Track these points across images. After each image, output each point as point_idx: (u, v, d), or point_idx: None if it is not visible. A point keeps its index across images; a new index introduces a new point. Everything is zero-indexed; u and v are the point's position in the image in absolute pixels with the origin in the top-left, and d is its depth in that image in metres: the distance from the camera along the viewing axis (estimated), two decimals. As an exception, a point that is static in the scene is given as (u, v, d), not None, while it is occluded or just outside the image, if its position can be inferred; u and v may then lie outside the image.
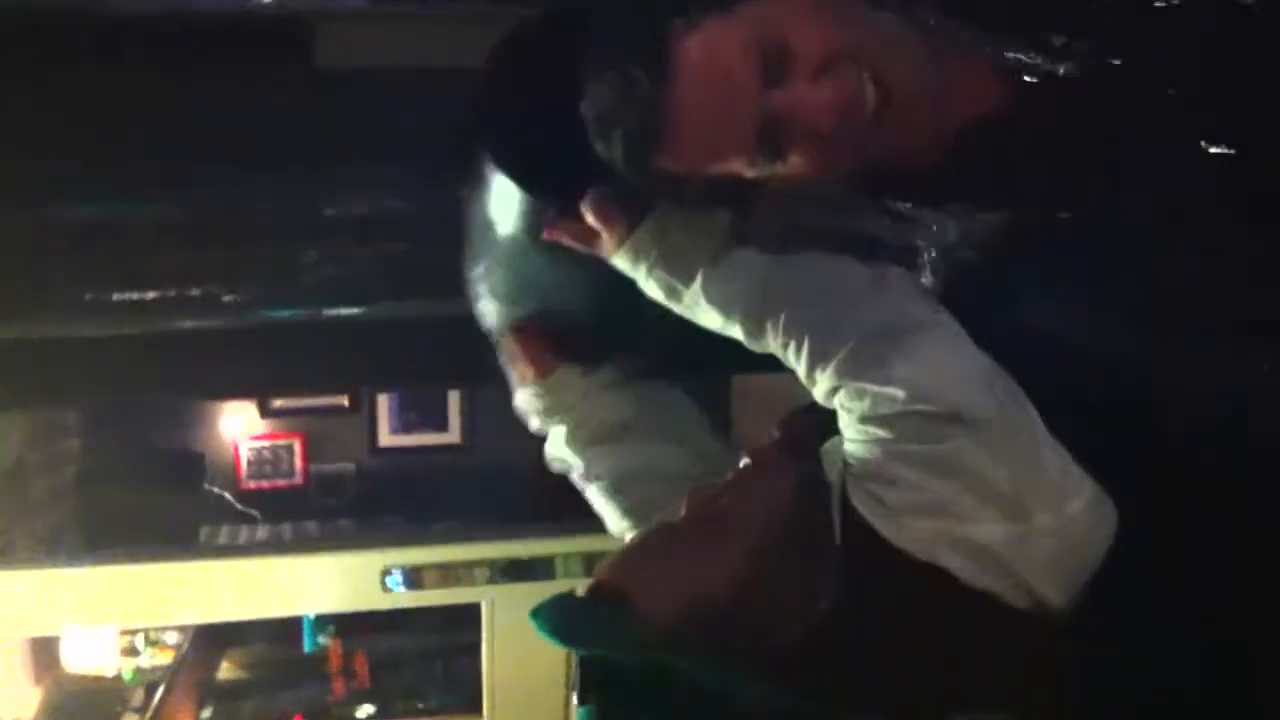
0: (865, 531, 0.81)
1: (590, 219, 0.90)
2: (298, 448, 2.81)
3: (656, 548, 0.87)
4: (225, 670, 2.75)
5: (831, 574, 0.81)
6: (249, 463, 2.79)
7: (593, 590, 0.85)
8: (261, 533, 2.68)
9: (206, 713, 2.69)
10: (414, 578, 2.08)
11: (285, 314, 1.31)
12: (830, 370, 0.84)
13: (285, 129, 1.24)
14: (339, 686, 2.57)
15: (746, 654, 0.81)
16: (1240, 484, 0.84)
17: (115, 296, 1.25)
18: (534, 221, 0.95)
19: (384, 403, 2.84)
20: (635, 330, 1.06)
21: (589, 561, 1.14)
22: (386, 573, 2.08)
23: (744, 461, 0.91)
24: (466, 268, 1.06)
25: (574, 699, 0.86)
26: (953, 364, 0.84)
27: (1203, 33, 0.84)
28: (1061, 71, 0.86)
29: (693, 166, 0.84)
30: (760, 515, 0.85)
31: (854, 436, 0.85)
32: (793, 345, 0.86)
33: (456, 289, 1.05)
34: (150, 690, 2.58)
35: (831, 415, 0.88)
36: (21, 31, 1.21)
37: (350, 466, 2.85)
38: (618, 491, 1.06)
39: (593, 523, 1.09)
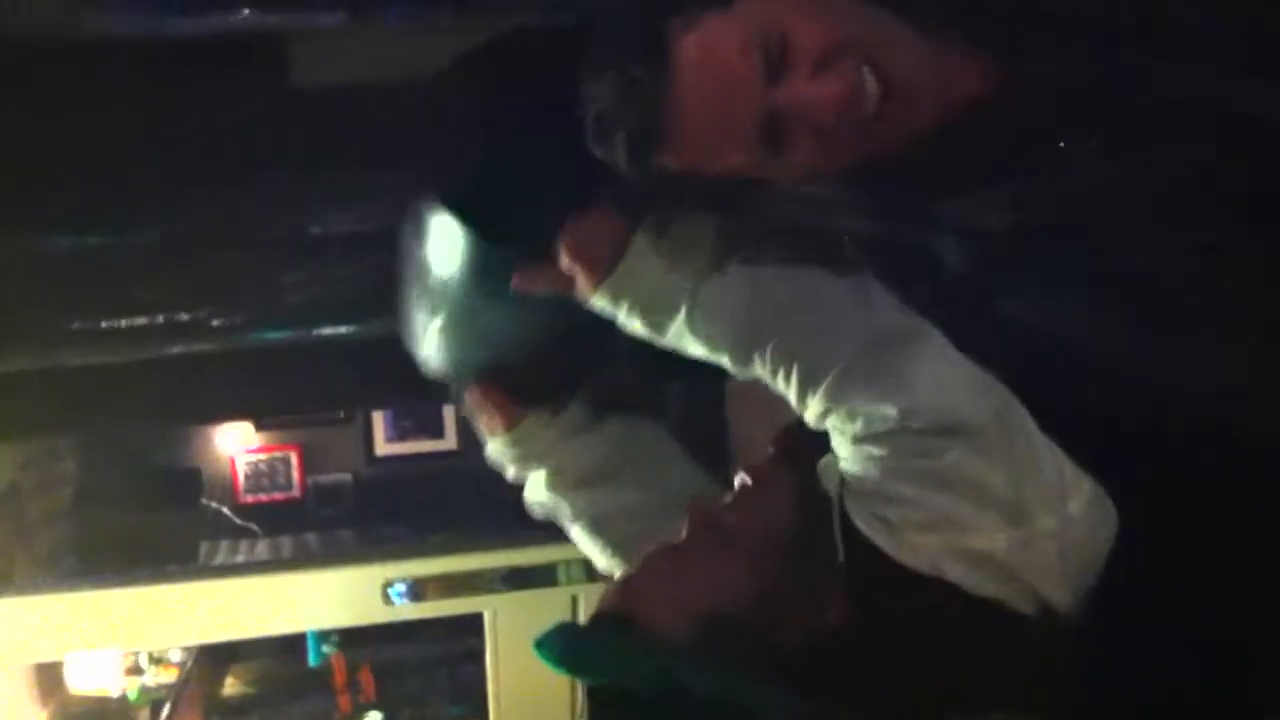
0: (867, 547, 0.81)
1: (564, 262, 0.88)
2: (294, 460, 2.80)
3: (660, 568, 0.86)
4: (230, 686, 2.75)
5: (837, 588, 0.81)
6: (246, 476, 2.78)
7: (597, 617, 0.84)
8: (261, 546, 2.67)
9: (213, 728, 2.70)
10: (416, 590, 2.07)
11: (275, 335, 1.30)
12: (820, 395, 0.84)
13: (268, 148, 1.23)
14: (345, 702, 2.57)
15: (757, 668, 0.80)
16: (1240, 483, 0.83)
17: (104, 324, 1.24)
18: (491, 270, 0.90)
19: (379, 412, 2.84)
20: (597, 364, 1.04)
21: (591, 568, 1.14)
22: (388, 585, 2.07)
23: (741, 477, 0.91)
24: (406, 327, 1.01)
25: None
26: (941, 375, 0.83)
27: (1202, 34, 0.84)
28: (1059, 68, 0.86)
29: (694, 164, 0.84)
30: (763, 530, 0.85)
31: (849, 456, 0.84)
32: (781, 374, 0.86)
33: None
34: (156, 708, 2.57)
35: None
36: (-3, 61, 1.19)
37: (347, 477, 2.85)
38: (600, 530, 1.05)
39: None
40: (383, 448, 2.85)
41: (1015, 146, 0.87)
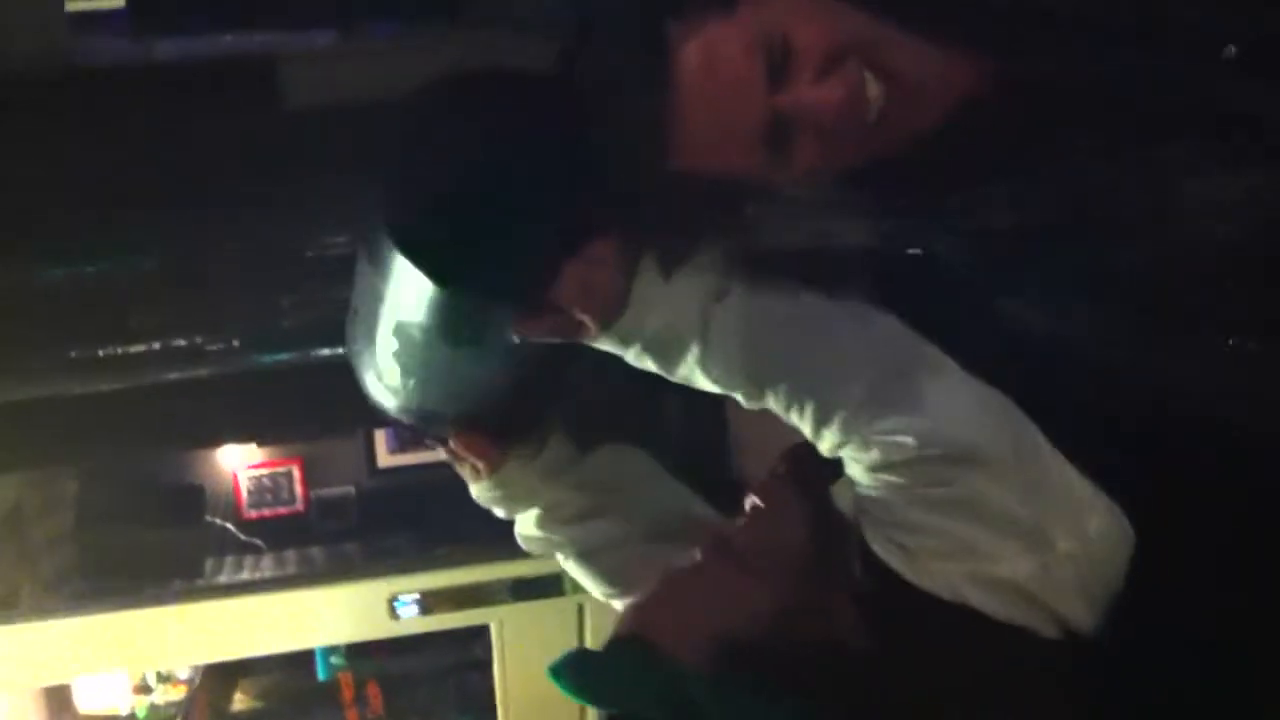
0: (885, 571, 0.80)
1: (571, 306, 0.85)
2: (296, 474, 2.80)
3: (675, 593, 0.85)
4: (239, 701, 2.75)
5: (856, 612, 0.80)
6: (249, 492, 2.78)
7: (613, 643, 0.84)
8: (266, 562, 2.66)
9: (223, 743, 2.70)
10: (422, 603, 2.07)
11: (273, 358, 1.30)
12: (836, 427, 0.83)
13: (261, 170, 1.23)
14: (353, 716, 2.57)
15: (776, 691, 0.80)
16: (1240, 483, 0.83)
17: (101, 352, 1.23)
18: (469, 316, 0.84)
19: (380, 423, 2.83)
20: (572, 395, 1.02)
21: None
22: (394, 600, 2.07)
23: (753, 499, 0.90)
24: (365, 371, 0.95)
25: None
26: (956, 403, 0.83)
27: (1202, 35, 0.83)
28: (1059, 68, 0.86)
29: (696, 166, 0.83)
30: (778, 553, 0.84)
31: (866, 484, 0.84)
32: (795, 409, 0.85)
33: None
34: (165, 726, 2.57)
35: None
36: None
37: (350, 489, 2.84)
38: (596, 562, 1.05)
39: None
40: (385, 459, 2.85)
41: (1015, 146, 0.86)
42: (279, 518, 2.75)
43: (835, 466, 0.87)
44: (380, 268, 0.83)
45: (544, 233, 0.83)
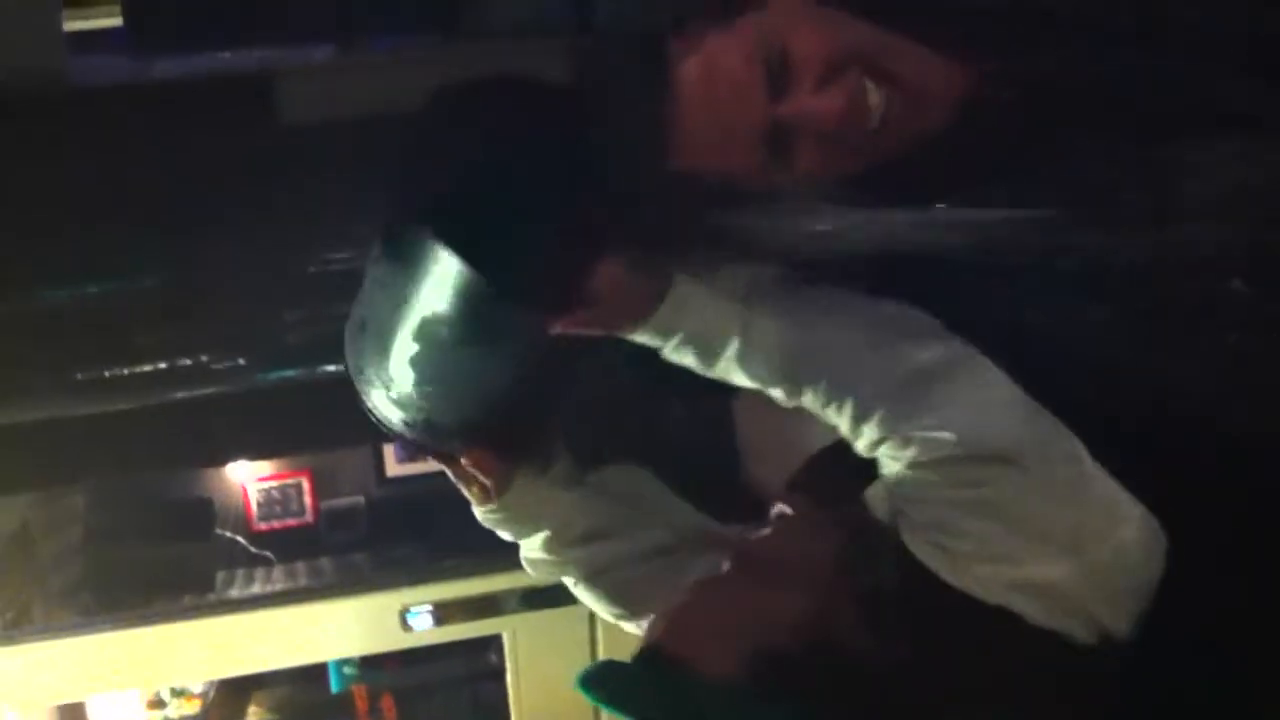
0: (924, 576, 0.80)
1: (609, 299, 0.86)
2: (306, 485, 2.79)
3: (707, 605, 0.86)
4: (253, 715, 2.75)
5: (892, 618, 0.80)
6: (258, 504, 2.77)
7: (645, 654, 0.84)
8: (277, 574, 2.66)
9: (238, 756, 2.69)
10: (435, 614, 2.07)
11: (279, 375, 1.29)
12: (874, 424, 0.83)
13: (261, 189, 1.22)
14: (367, 729, 2.57)
15: (812, 702, 0.80)
16: (1240, 484, 0.83)
17: (107, 373, 1.23)
18: (485, 318, 0.84)
19: (388, 433, 2.82)
20: (581, 413, 1.02)
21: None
22: (406, 611, 2.07)
23: (779, 508, 0.90)
24: (368, 384, 0.93)
25: None
26: (994, 399, 0.82)
27: (1202, 34, 0.83)
28: (1059, 68, 0.86)
29: (700, 175, 0.84)
30: (809, 561, 0.84)
31: (905, 485, 0.83)
32: (833, 407, 0.85)
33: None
34: (180, 740, 2.57)
35: (855, 453, 0.87)
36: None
37: (360, 500, 2.83)
38: (605, 583, 1.05)
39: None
40: (394, 469, 2.84)
41: (1015, 147, 0.86)
42: (289, 529, 2.75)
43: (862, 473, 0.87)
44: (407, 266, 0.83)
45: (575, 226, 0.84)
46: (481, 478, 1.01)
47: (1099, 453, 0.83)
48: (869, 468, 0.87)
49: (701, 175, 0.85)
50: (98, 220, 1.23)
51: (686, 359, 0.89)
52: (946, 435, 0.80)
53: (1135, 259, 0.84)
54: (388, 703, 2.58)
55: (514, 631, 2.12)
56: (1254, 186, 0.80)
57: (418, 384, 0.90)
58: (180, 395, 1.28)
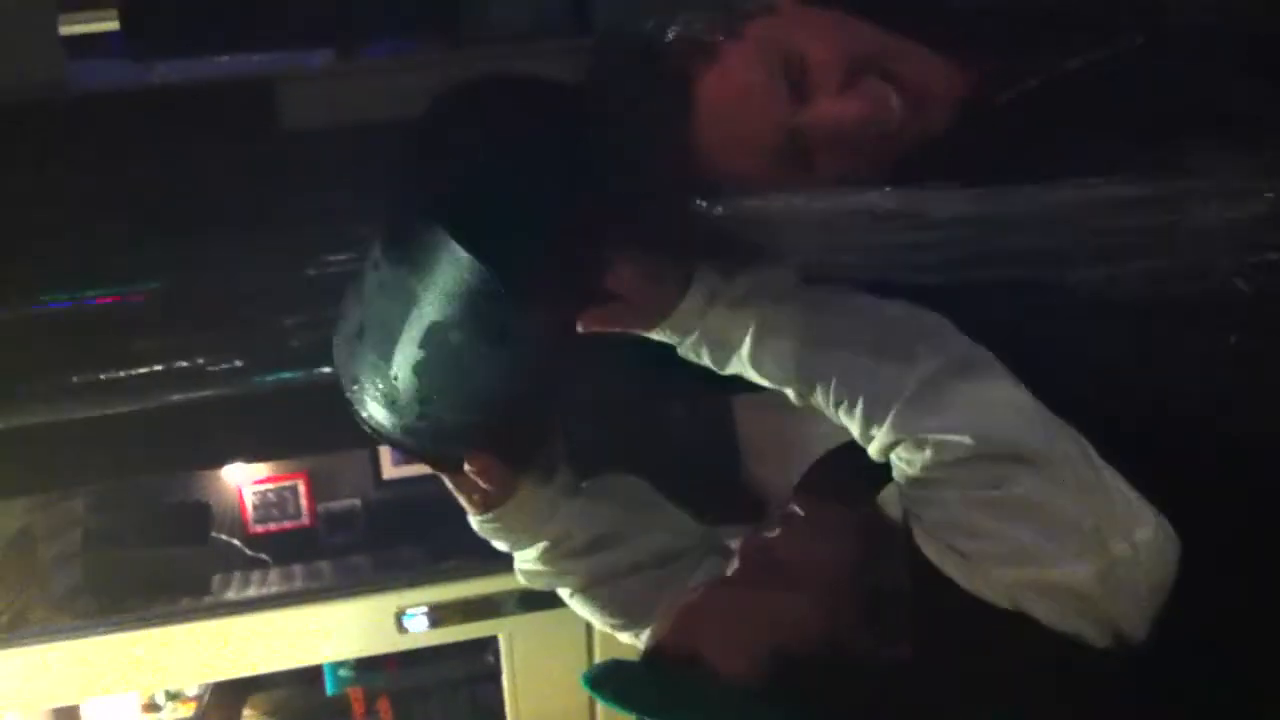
0: (937, 580, 0.79)
1: (628, 298, 0.87)
2: (302, 488, 2.79)
3: (716, 606, 0.85)
4: (248, 718, 2.74)
5: (904, 622, 0.79)
6: (255, 507, 2.77)
7: (652, 653, 0.83)
8: (274, 577, 2.66)
9: (235, 759, 2.69)
10: (430, 616, 2.07)
11: (279, 378, 1.30)
12: (888, 425, 0.82)
13: (258, 193, 1.23)
14: (364, 730, 2.57)
15: (824, 705, 0.79)
16: (1240, 485, 0.83)
17: (104, 376, 1.23)
18: (493, 317, 0.83)
19: (385, 435, 2.81)
20: (575, 419, 1.01)
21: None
22: (402, 613, 2.07)
23: (791, 508, 0.89)
24: (366, 386, 0.91)
25: None
26: (1008, 400, 0.82)
27: (1202, 35, 0.83)
28: (1058, 68, 0.86)
29: (714, 178, 0.84)
30: (822, 563, 0.83)
31: (919, 487, 0.82)
32: (845, 405, 0.84)
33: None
34: (176, 744, 2.57)
35: (867, 456, 0.86)
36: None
37: (357, 502, 2.83)
38: (599, 593, 1.05)
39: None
40: (390, 471, 2.84)
41: (1015, 147, 0.86)
42: (286, 532, 2.75)
43: (875, 474, 0.87)
44: (416, 268, 0.82)
45: (588, 225, 0.83)
46: (483, 485, 0.99)
47: (1100, 453, 0.83)
48: (881, 469, 0.86)
49: (716, 181, 0.85)
50: (95, 224, 1.23)
51: (702, 357, 0.89)
52: (963, 437, 0.79)
53: (1135, 259, 0.84)
54: (384, 705, 2.58)
55: (510, 633, 2.12)
56: (1254, 187, 0.80)
57: (422, 390, 0.89)
58: (177, 398, 1.28)
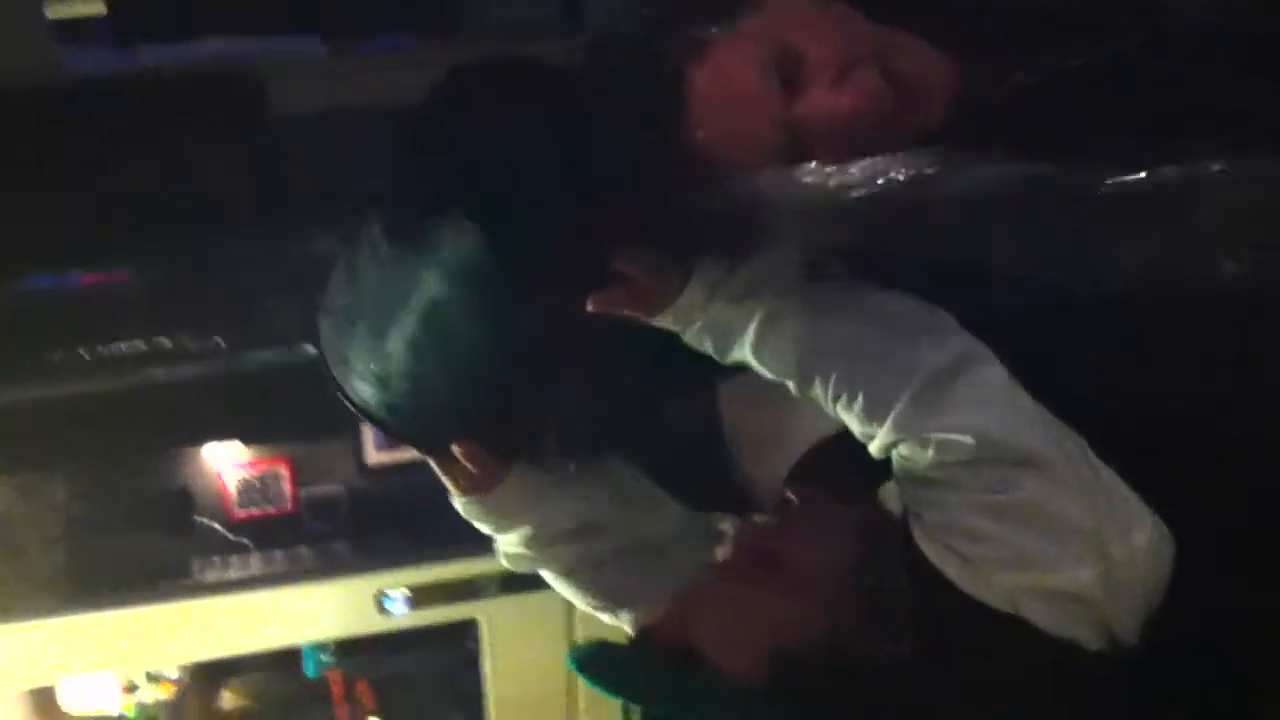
0: (938, 582, 0.79)
1: (634, 282, 0.87)
2: (285, 473, 2.79)
3: (716, 599, 0.84)
4: (228, 700, 2.75)
5: (900, 619, 0.79)
6: (238, 492, 2.77)
7: (642, 639, 0.83)
8: (255, 561, 2.67)
9: (213, 742, 2.70)
10: (410, 599, 2.08)
11: (262, 358, 1.31)
12: (890, 424, 0.81)
13: (245, 175, 1.24)
14: (343, 713, 2.58)
15: (817, 702, 0.79)
16: (1240, 485, 0.84)
17: (84, 354, 1.24)
18: (508, 304, 0.84)
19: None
20: (564, 407, 1.01)
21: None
22: (382, 595, 2.09)
23: (788, 497, 0.89)
24: (368, 386, 0.90)
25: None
26: (1011, 401, 0.81)
27: (1202, 35, 0.84)
28: (1058, 66, 0.86)
29: (711, 170, 0.85)
30: (828, 564, 0.83)
31: (920, 488, 0.82)
32: (843, 401, 0.84)
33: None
34: (155, 726, 2.57)
35: (861, 448, 0.86)
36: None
37: (340, 488, 2.83)
38: (582, 576, 1.04)
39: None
40: (374, 457, 2.84)
41: (1012, 145, 0.87)
42: (268, 518, 2.75)
43: (871, 468, 0.86)
44: (419, 249, 0.82)
45: (593, 209, 0.83)
46: (472, 469, 0.99)
47: (1099, 454, 0.83)
48: (877, 462, 0.86)
49: (713, 175, 0.85)
50: (77, 203, 1.24)
51: (705, 346, 0.90)
52: (966, 438, 0.78)
53: (1134, 257, 0.86)
54: (364, 689, 2.59)
55: (490, 616, 2.14)
56: (1254, 185, 0.82)
57: (418, 370, 0.89)
58: (159, 376, 1.29)
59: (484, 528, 1.06)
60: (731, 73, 0.83)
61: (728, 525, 1.01)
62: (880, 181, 0.86)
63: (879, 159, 0.86)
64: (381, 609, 2.07)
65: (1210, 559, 0.82)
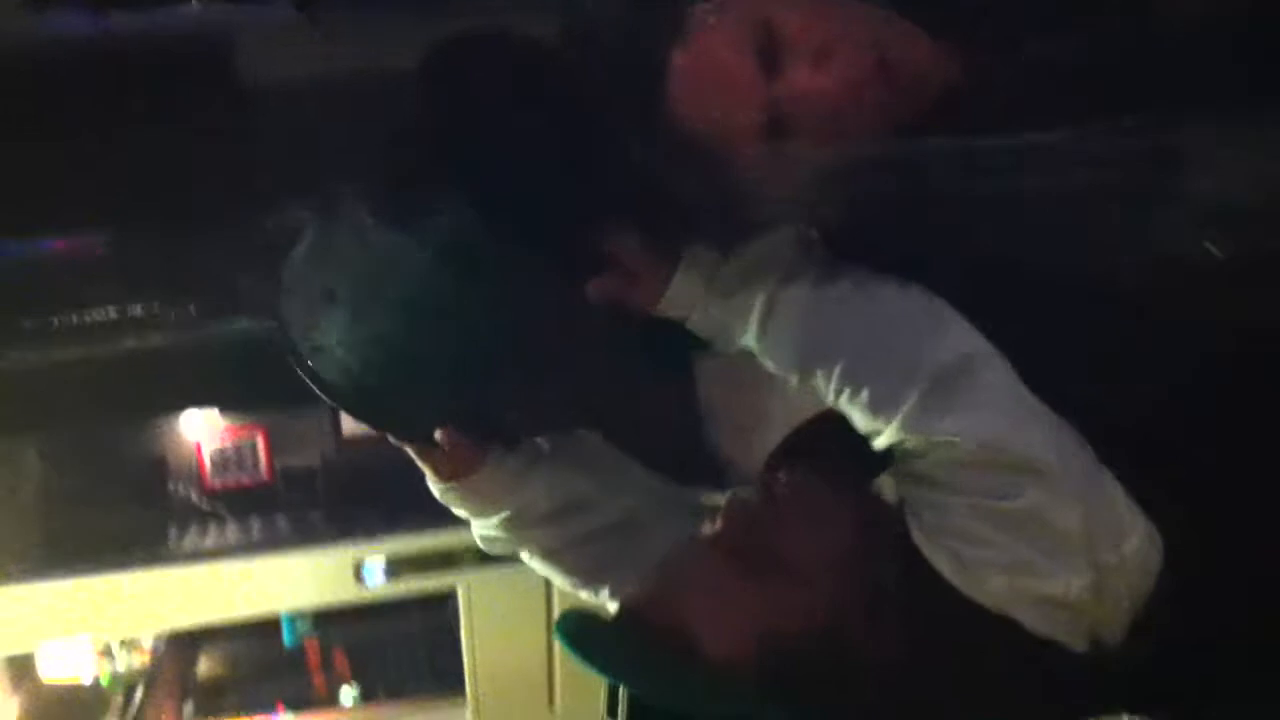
0: (934, 580, 0.79)
1: (628, 270, 0.87)
2: (261, 443, 2.78)
3: (707, 581, 0.83)
4: (204, 667, 2.76)
5: (891, 611, 0.80)
6: (213, 462, 2.76)
7: (626, 615, 0.83)
8: (231, 530, 2.66)
9: (189, 709, 2.71)
10: (388, 569, 2.09)
11: (234, 327, 1.30)
12: (897, 424, 0.80)
13: (218, 142, 1.22)
14: (320, 681, 2.60)
15: (803, 691, 0.79)
16: (1241, 486, 0.84)
17: (55, 321, 1.23)
18: (498, 284, 0.83)
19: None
20: (546, 390, 1.00)
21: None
22: (360, 565, 2.09)
23: (779, 475, 0.88)
24: (344, 369, 0.88)
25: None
26: (1016, 403, 0.81)
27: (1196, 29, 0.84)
28: (1050, 58, 0.86)
29: (697, 154, 0.84)
30: (816, 552, 0.82)
31: (921, 487, 0.82)
32: (847, 395, 0.83)
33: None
34: (130, 693, 2.58)
35: (850, 428, 0.85)
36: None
37: (316, 459, 2.83)
38: (561, 557, 1.03)
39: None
40: (350, 429, 2.84)
41: (1005, 131, 0.86)
42: (244, 488, 2.74)
43: (865, 453, 0.85)
44: (408, 229, 0.81)
45: (585, 191, 0.82)
46: (451, 458, 0.98)
47: (1098, 454, 0.83)
48: (869, 446, 0.85)
49: (700, 161, 0.84)
50: (49, 170, 1.22)
51: (710, 334, 0.89)
52: (973, 442, 0.78)
53: (1131, 254, 0.86)
54: (340, 658, 2.61)
55: (469, 586, 2.15)
56: (1251, 182, 0.82)
57: (400, 356, 0.88)
58: (130, 345, 1.28)
59: (462, 512, 1.05)
60: (712, 52, 0.83)
61: (714, 499, 1.00)
62: (870, 167, 0.86)
63: (866, 143, 0.86)
64: (360, 578, 2.08)
65: (1210, 559, 0.83)
